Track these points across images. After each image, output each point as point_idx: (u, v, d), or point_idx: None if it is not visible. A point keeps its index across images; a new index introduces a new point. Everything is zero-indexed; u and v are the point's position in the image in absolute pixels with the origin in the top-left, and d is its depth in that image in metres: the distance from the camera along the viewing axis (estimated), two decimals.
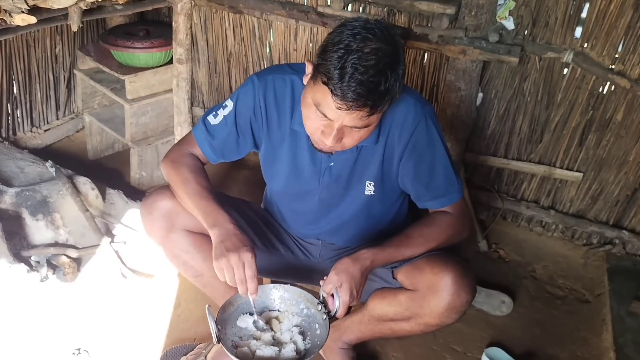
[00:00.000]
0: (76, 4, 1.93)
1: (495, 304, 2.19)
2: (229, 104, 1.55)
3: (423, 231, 1.50)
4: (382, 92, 1.23)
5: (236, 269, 1.33)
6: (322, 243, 1.76)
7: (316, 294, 1.46)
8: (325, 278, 1.41)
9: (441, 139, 1.51)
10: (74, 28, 2.00)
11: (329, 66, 1.23)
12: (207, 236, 1.64)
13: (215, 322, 1.36)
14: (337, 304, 1.38)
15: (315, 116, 1.33)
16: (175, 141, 2.48)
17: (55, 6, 1.87)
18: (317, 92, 1.29)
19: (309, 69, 1.35)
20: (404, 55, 1.31)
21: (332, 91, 1.24)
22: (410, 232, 1.50)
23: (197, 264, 1.65)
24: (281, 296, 1.49)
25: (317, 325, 1.43)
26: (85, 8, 2.00)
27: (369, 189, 1.57)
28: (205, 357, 1.83)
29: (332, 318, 1.40)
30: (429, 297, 1.45)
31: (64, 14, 1.99)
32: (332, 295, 1.39)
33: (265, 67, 2.61)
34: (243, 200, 1.79)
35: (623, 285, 2.25)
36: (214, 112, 1.57)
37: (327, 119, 1.30)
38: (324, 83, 1.25)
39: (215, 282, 1.70)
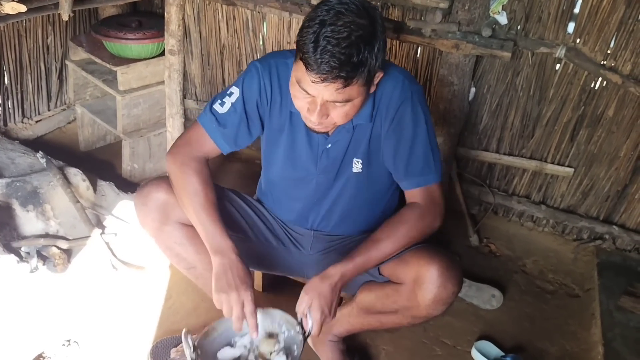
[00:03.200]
0: None
1: (486, 297, 2.20)
2: (235, 90, 1.54)
3: (390, 232, 1.48)
4: (355, 64, 1.25)
5: (235, 307, 1.40)
6: (314, 233, 1.76)
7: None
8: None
9: (426, 119, 1.50)
10: (65, 17, 1.98)
11: (305, 41, 1.26)
12: None
13: (195, 345, 1.40)
14: (310, 324, 1.41)
15: (299, 94, 1.35)
16: (168, 133, 2.46)
17: None
18: (298, 69, 1.31)
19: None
20: (383, 30, 1.31)
21: (306, 65, 1.26)
22: (377, 235, 1.49)
23: (190, 256, 1.65)
24: (262, 320, 1.49)
25: (295, 347, 1.45)
26: None
27: (357, 166, 1.57)
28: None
29: (308, 336, 1.43)
30: (416, 289, 1.46)
31: (54, 2, 1.98)
32: (307, 314, 1.43)
33: None
34: (236, 192, 1.79)
35: (612, 280, 2.26)
36: (219, 101, 1.55)
37: (309, 95, 1.32)
38: (301, 59, 1.28)
39: (207, 274, 1.70)
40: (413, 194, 1.53)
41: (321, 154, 1.56)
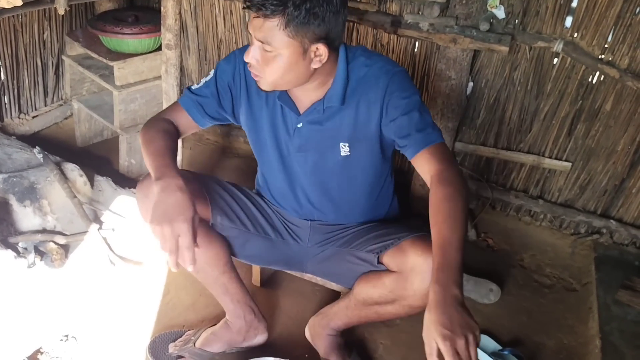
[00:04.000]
0: None
1: (483, 292, 2.20)
2: (211, 72, 1.63)
3: (444, 222, 1.31)
4: (277, 2, 1.31)
5: (169, 240, 1.32)
6: (312, 224, 1.76)
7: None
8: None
9: (415, 91, 1.50)
10: (61, 11, 1.98)
11: None
12: (203, 220, 1.64)
13: None
14: None
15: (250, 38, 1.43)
16: None
17: None
18: None
19: None
20: (334, 4, 1.35)
21: None
22: (438, 232, 1.31)
23: None
24: None
25: None
26: None
27: (344, 149, 1.58)
28: (194, 344, 1.84)
29: None
30: (412, 278, 1.45)
31: None
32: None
33: None
34: (235, 185, 1.79)
35: (610, 274, 2.27)
36: (196, 82, 1.67)
37: (250, 35, 1.39)
38: None
39: (208, 268, 1.71)
40: (424, 157, 1.44)
41: (294, 133, 1.59)
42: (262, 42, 1.37)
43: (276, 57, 1.39)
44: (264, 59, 1.40)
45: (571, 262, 2.48)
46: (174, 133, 1.60)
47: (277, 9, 1.31)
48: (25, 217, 2.15)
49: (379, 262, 1.57)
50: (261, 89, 1.50)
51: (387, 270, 1.55)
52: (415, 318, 2.07)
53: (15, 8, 1.84)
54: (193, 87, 1.64)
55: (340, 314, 1.75)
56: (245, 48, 1.59)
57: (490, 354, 1.93)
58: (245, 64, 1.56)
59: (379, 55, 1.55)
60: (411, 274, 1.45)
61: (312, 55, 1.41)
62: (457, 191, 1.35)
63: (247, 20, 2.72)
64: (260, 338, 1.89)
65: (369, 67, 1.50)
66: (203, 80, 1.64)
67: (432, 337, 1.15)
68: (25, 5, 1.86)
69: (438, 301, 1.18)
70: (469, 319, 1.17)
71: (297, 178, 1.69)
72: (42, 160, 2.29)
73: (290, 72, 1.42)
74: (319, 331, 1.83)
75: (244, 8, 1.38)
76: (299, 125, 1.57)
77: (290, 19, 1.33)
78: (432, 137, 1.46)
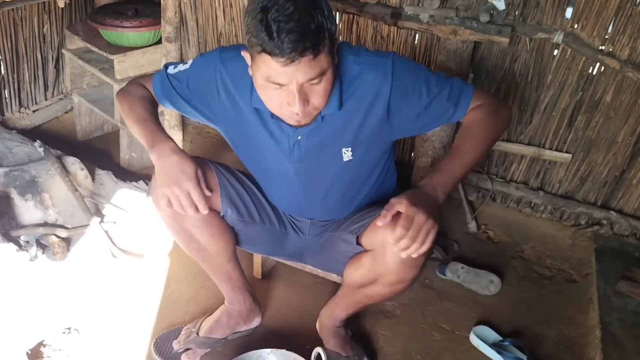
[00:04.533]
0: None
1: (484, 283, 2.21)
2: (189, 62, 1.57)
3: (467, 135, 1.44)
4: (315, 31, 1.22)
5: (182, 198, 1.41)
6: (312, 222, 1.77)
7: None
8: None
9: (420, 70, 1.48)
10: (61, 4, 1.98)
11: (256, 33, 1.22)
12: (217, 212, 1.64)
13: None
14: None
15: (273, 92, 1.31)
16: (165, 122, 2.47)
17: None
18: (260, 66, 1.27)
19: (247, 58, 1.35)
20: None
21: (270, 53, 1.22)
22: (456, 143, 1.44)
23: (204, 239, 1.65)
24: None
25: None
26: None
27: (347, 154, 1.54)
28: (197, 333, 1.84)
29: None
30: (384, 253, 1.44)
31: None
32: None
33: None
34: (245, 173, 1.76)
35: (610, 265, 2.27)
36: (175, 64, 1.60)
37: (282, 85, 1.29)
38: (261, 52, 1.24)
39: (216, 257, 1.71)
40: (470, 112, 1.50)
41: (293, 146, 1.52)
42: (313, 78, 1.28)
43: (322, 81, 1.31)
44: (315, 93, 1.32)
45: (571, 253, 2.48)
46: (152, 98, 1.60)
47: (322, 39, 1.24)
48: (27, 210, 2.15)
49: (358, 243, 1.58)
50: (302, 125, 1.43)
51: (366, 251, 1.56)
52: (416, 310, 2.09)
53: (15, 1, 1.83)
54: (169, 70, 1.59)
55: (339, 303, 1.77)
56: (233, 51, 1.50)
57: (491, 345, 1.94)
58: (226, 69, 1.49)
59: (364, 50, 1.48)
60: (382, 249, 1.45)
61: (334, 51, 1.35)
62: (489, 117, 1.44)
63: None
64: (257, 320, 1.93)
65: (361, 65, 1.44)
66: (177, 69, 1.57)
67: (399, 201, 1.28)
68: None
69: (420, 192, 1.33)
70: (435, 219, 1.29)
71: (295, 186, 1.65)
72: (43, 154, 2.30)
73: (333, 81, 1.36)
74: (324, 322, 1.85)
75: (285, 64, 1.23)
76: (298, 139, 1.51)
77: (329, 33, 1.27)
78: (466, 97, 1.49)
